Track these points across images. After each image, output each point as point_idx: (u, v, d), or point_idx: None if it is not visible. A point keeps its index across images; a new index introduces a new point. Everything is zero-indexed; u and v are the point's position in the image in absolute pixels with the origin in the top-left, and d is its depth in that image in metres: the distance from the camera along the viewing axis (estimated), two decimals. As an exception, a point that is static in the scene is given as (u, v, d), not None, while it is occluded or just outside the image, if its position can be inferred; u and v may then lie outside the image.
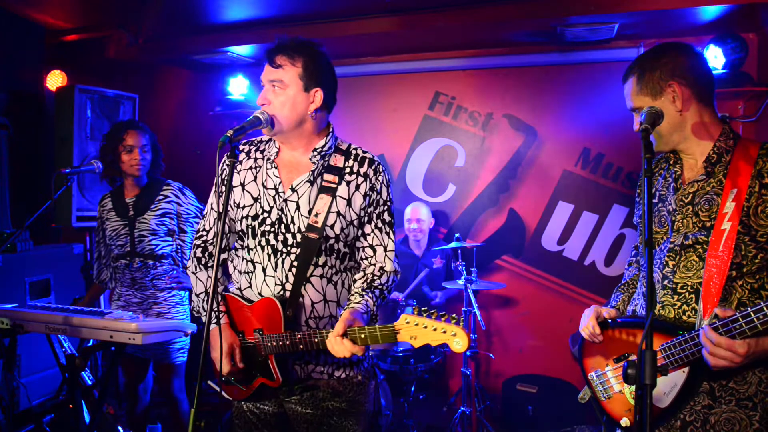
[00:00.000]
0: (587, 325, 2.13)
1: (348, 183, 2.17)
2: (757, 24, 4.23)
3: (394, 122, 5.47)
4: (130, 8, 4.60)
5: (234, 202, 2.24)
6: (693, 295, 1.91)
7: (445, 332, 1.87)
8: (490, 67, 5.18)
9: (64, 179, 3.51)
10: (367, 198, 2.19)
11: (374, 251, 2.24)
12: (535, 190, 5.12)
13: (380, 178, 2.22)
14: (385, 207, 2.25)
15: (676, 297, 1.94)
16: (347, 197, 2.16)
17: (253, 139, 2.33)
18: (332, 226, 2.13)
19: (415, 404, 4.46)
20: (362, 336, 1.95)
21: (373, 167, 2.22)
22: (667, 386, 1.88)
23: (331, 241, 2.15)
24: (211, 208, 2.34)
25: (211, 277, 2.31)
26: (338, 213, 2.14)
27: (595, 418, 2.23)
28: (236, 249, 2.30)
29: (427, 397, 4.62)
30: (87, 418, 3.06)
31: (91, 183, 4.25)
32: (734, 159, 1.90)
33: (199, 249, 2.35)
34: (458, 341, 1.85)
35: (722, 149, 1.93)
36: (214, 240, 2.32)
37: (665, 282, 1.98)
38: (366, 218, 2.21)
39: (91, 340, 3.21)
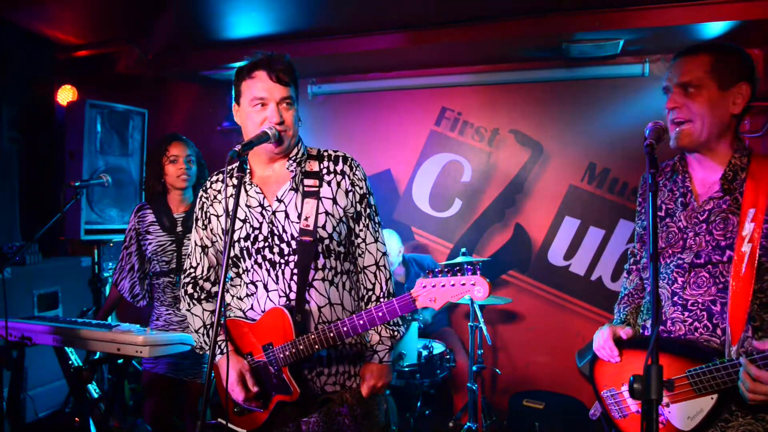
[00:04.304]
0: (603, 345, 2.10)
1: (329, 183, 2.21)
2: (762, 40, 4.25)
3: (401, 137, 5.49)
4: (140, 24, 4.65)
5: (221, 231, 2.26)
6: (704, 313, 1.89)
7: (464, 284, 1.87)
8: (496, 83, 5.20)
9: (73, 192, 3.52)
10: (350, 194, 2.23)
11: (367, 246, 2.28)
12: (541, 205, 5.12)
13: (357, 173, 2.26)
14: (368, 199, 2.29)
15: (686, 314, 1.92)
16: (332, 196, 2.20)
17: (222, 169, 2.28)
18: (324, 227, 2.16)
19: (421, 419, 4.44)
20: (380, 314, 1.99)
21: (348, 163, 2.26)
22: (693, 411, 1.85)
23: (326, 242, 2.17)
24: (195, 244, 2.34)
25: (206, 310, 2.32)
26: (326, 213, 2.17)
27: (603, 435, 2.21)
28: (232, 279, 2.31)
29: (433, 413, 4.59)
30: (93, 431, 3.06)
31: (100, 196, 4.28)
32: (749, 177, 1.87)
33: (190, 285, 2.35)
34: (479, 289, 1.84)
35: (737, 166, 1.90)
36: (203, 274, 2.33)
37: (675, 298, 1.95)
38: (355, 215, 2.25)
39: (98, 353, 3.21)
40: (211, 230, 2.29)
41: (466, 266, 1.89)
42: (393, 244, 4.88)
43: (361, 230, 2.27)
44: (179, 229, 3.31)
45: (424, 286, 1.91)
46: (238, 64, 2.18)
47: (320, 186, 2.20)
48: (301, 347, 2.06)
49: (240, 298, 2.26)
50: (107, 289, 4.31)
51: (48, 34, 4.71)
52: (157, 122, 4.81)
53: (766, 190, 1.82)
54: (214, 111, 5.83)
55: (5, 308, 2.86)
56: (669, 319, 1.96)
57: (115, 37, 4.86)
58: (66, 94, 4.81)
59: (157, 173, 3.32)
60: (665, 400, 1.88)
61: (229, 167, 2.29)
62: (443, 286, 1.88)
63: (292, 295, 2.14)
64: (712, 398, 1.82)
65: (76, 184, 3.55)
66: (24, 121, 4.60)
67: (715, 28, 3.96)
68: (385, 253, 2.31)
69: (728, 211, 1.88)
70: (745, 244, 1.81)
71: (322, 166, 2.24)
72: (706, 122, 1.89)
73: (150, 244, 3.31)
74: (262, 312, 2.16)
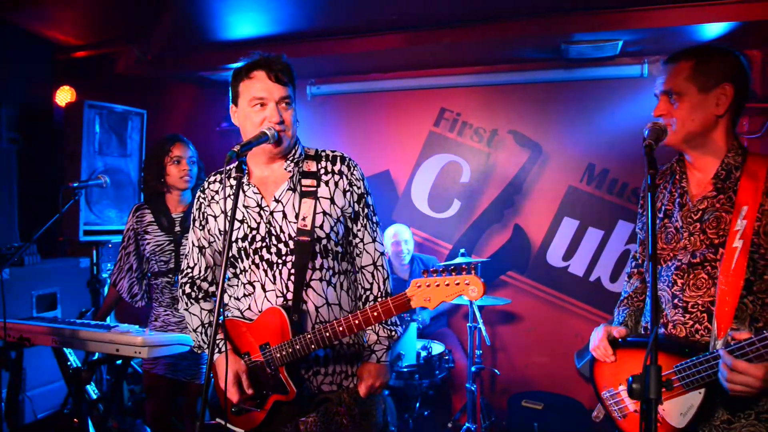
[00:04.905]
0: (598, 345, 2.10)
1: (326, 183, 2.21)
2: (761, 41, 4.26)
3: (400, 138, 5.50)
4: (139, 25, 4.66)
5: (219, 232, 2.26)
6: (705, 314, 1.88)
7: (458, 284, 1.85)
8: (495, 84, 5.20)
9: (71, 193, 3.51)
10: (348, 193, 2.22)
11: (365, 246, 2.28)
12: (540, 206, 5.12)
13: (355, 173, 2.26)
14: (366, 198, 2.29)
15: (687, 316, 1.92)
16: (329, 196, 2.19)
17: (221, 169, 2.32)
18: (321, 227, 2.16)
19: (420, 420, 4.44)
20: (375, 314, 1.96)
21: (346, 163, 2.25)
22: (684, 407, 1.85)
23: (324, 242, 2.17)
24: (193, 245, 2.34)
25: (204, 309, 2.32)
26: (324, 212, 2.17)
27: (601, 434, 2.21)
28: (229, 279, 2.31)
29: (432, 414, 4.59)
30: (92, 432, 3.06)
31: (99, 197, 4.27)
32: (743, 175, 1.87)
33: (187, 285, 2.35)
34: (473, 288, 1.83)
35: (731, 165, 1.90)
36: (200, 274, 2.34)
37: (675, 301, 1.95)
38: (353, 215, 2.25)
39: (97, 354, 3.20)
40: (209, 231, 2.29)
41: (462, 266, 1.89)
42: (407, 237, 4.99)
43: (359, 230, 2.27)
44: (177, 229, 3.31)
45: (419, 286, 1.91)
46: (236, 65, 2.18)
47: (318, 186, 2.20)
48: (298, 347, 2.06)
49: (237, 299, 2.25)
50: (106, 289, 4.31)
51: (47, 34, 4.71)
52: (156, 123, 4.81)
53: (760, 188, 1.83)
54: (212, 112, 5.83)
55: (4, 309, 2.85)
56: (671, 322, 1.96)
57: (114, 38, 4.86)
58: (65, 95, 4.81)
59: (159, 173, 3.31)
60: None
61: (227, 168, 2.30)
62: (437, 285, 1.88)
63: (290, 295, 2.14)
64: (699, 393, 1.82)
65: (75, 185, 3.54)
66: (23, 121, 4.60)
67: (714, 30, 3.97)
68: (383, 253, 2.31)
69: (722, 209, 1.89)
70: (736, 240, 1.81)
71: (319, 166, 2.24)
72: (686, 124, 1.90)
73: (148, 244, 3.31)
74: (260, 312, 2.16)
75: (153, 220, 3.32)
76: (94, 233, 4.26)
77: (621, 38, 4.22)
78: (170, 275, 3.29)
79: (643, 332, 2.16)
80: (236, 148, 1.91)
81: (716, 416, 1.85)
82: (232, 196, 2.22)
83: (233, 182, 2.27)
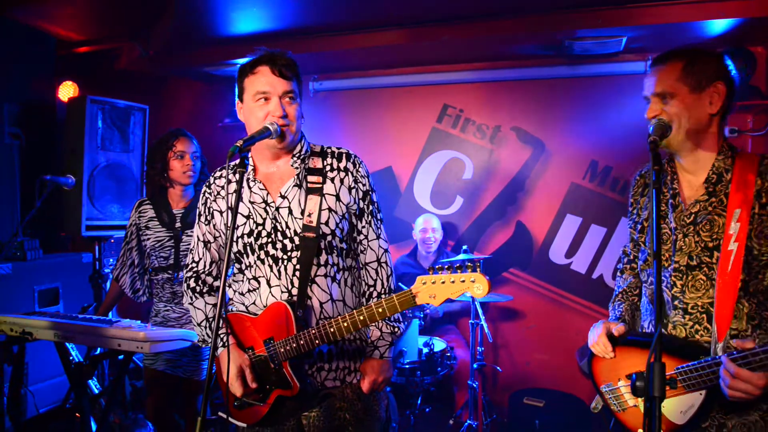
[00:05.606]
0: (597, 342, 2.10)
1: (332, 180, 2.22)
2: (766, 38, 4.24)
3: (402, 135, 5.49)
4: (141, 20, 4.65)
5: (224, 227, 2.27)
6: (704, 315, 1.90)
7: (463, 281, 1.86)
8: (497, 80, 5.19)
9: (45, 185, 3.53)
10: (353, 190, 2.23)
11: (369, 242, 2.29)
12: (542, 203, 5.12)
13: (360, 170, 2.27)
14: (371, 195, 2.30)
15: (687, 317, 1.93)
16: (335, 193, 2.20)
17: (225, 165, 2.28)
18: (326, 223, 2.17)
19: (421, 417, 4.43)
20: (380, 310, 1.96)
21: (352, 160, 2.26)
22: (685, 406, 1.87)
23: (329, 238, 2.18)
24: (198, 239, 2.34)
25: (209, 304, 2.32)
26: (330, 209, 2.18)
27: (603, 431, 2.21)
28: (234, 274, 2.32)
29: (434, 410, 4.59)
30: (93, 427, 3.06)
31: (101, 192, 4.26)
32: (735, 177, 1.88)
33: (192, 279, 2.35)
34: (478, 286, 1.84)
35: (721, 168, 1.92)
36: (205, 268, 2.33)
37: (675, 302, 1.97)
38: (357, 212, 2.25)
39: (99, 349, 3.21)
40: (214, 226, 2.29)
41: (466, 263, 1.88)
42: (437, 223, 5.07)
43: (363, 227, 2.27)
44: (178, 225, 3.31)
45: (424, 283, 1.91)
46: (239, 61, 2.19)
47: (323, 183, 2.21)
48: (302, 342, 2.07)
49: (242, 294, 2.26)
50: (108, 285, 4.31)
51: (49, 30, 4.70)
52: (158, 118, 4.80)
53: (750, 190, 1.84)
54: (215, 107, 5.82)
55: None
56: (670, 323, 1.98)
57: (117, 34, 4.85)
58: (67, 90, 4.81)
59: (162, 168, 3.31)
60: None
61: (232, 163, 2.29)
62: (443, 282, 1.88)
63: (294, 291, 2.14)
64: (700, 394, 1.84)
65: (48, 177, 3.57)
66: (25, 117, 4.59)
67: (718, 26, 3.96)
68: (386, 250, 2.32)
69: (714, 213, 1.91)
70: (731, 243, 1.83)
71: (325, 163, 2.24)
72: (683, 123, 1.90)
73: (149, 239, 3.31)
74: (264, 307, 2.17)
75: (154, 215, 3.32)
76: (97, 228, 4.25)
77: (624, 35, 4.20)
78: (170, 271, 3.29)
79: (640, 330, 2.17)
80: (239, 143, 1.91)
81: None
82: (236, 192, 2.22)
83: (237, 177, 2.27)
